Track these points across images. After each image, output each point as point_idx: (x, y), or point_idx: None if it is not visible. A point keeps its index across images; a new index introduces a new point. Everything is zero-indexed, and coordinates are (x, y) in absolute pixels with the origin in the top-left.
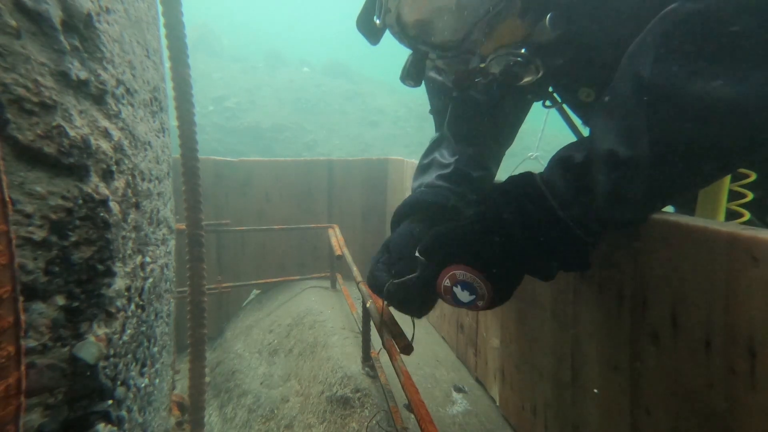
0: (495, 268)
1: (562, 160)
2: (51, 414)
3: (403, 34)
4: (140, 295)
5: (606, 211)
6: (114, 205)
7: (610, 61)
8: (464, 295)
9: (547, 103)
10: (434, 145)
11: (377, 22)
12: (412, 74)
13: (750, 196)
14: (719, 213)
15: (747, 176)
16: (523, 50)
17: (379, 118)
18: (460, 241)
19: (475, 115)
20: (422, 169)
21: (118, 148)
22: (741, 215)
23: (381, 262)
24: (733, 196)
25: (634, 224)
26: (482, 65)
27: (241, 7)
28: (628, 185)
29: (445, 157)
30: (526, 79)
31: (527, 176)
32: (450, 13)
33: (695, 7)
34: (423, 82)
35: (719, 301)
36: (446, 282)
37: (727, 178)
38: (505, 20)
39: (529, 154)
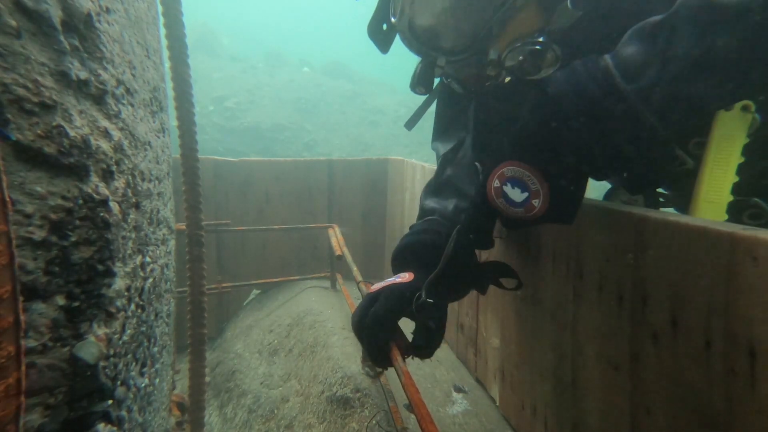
0: (547, 158)
1: (638, 27)
2: (51, 414)
3: (413, 38)
4: (140, 295)
5: (680, 82)
6: (114, 205)
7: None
8: (516, 194)
9: None
10: (446, 161)
11: (393, 20)
12: (422, 81)
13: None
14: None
15: None
16: (540, 39)
17: (379, 118)
18: (508, 135)
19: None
20: (436, 189)
21: (118, 148)
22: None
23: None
24: None
25: (704, 110)
26: (496, 60)
27: (241, 7)
28: (721, 43)
29: (463, 181)
30: (544, 71)
31: (594, 56)
32: (461, 13)
33: None
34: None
35: (719, 301)
36: (495, 183)
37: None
38: (521, 10)
39: None
